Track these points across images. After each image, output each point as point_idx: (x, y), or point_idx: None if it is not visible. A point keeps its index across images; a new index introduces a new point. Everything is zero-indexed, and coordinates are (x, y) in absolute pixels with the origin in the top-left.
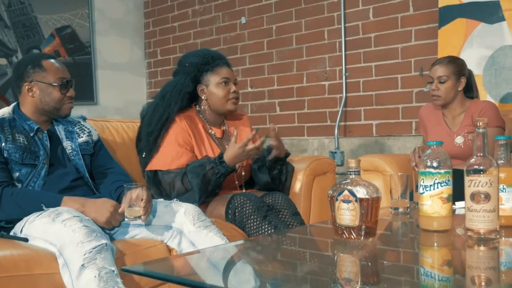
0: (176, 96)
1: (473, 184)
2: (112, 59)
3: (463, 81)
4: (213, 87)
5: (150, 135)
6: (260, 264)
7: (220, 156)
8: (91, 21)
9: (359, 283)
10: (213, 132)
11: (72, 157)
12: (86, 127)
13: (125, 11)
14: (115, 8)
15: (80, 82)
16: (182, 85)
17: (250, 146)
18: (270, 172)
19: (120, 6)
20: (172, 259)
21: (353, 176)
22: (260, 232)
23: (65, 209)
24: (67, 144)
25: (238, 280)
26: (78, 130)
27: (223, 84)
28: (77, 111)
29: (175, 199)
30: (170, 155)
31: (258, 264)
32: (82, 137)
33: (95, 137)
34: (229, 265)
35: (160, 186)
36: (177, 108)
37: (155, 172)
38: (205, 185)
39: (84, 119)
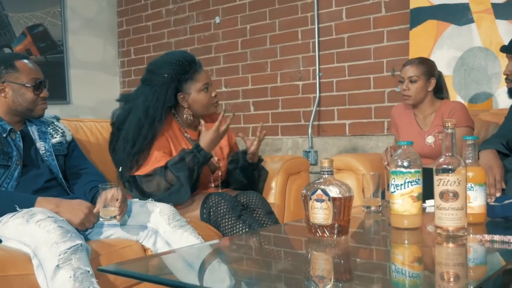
0: (160, 111)
1: (442, 183)
2: (85, 58)
3: (433, 81)
4: (195, 94)
5: (134, 155)
6: (235, 262)
7: (197, 145)
8: (64, 19)
9: (332, 280)
10: (188, 136)
11: (46, 158)
12: (59, 128)
13: (98, 9)
14: (87, 6)
15: (53, 81)
16: (164, 99)
17: (223, 126)
18: (244, 173)
19: (93, 5)
20: (147, 259)
21: (326, 175)
22: (234, 231)
23: (39, 209)
24: (40, 145)
25: (213, 278)
26: (51, 130)
27: (205, 90)
28: (49, 111)
29: (150, 199)
30: (149, 160)
31: (233, 262)
32: (55, 137)
33: (68, 138)
34: (204, 264)
35: (141, 190)
36: (161, 126)
37: (133, 177)
38: (191, 176)
39: (58, 119)
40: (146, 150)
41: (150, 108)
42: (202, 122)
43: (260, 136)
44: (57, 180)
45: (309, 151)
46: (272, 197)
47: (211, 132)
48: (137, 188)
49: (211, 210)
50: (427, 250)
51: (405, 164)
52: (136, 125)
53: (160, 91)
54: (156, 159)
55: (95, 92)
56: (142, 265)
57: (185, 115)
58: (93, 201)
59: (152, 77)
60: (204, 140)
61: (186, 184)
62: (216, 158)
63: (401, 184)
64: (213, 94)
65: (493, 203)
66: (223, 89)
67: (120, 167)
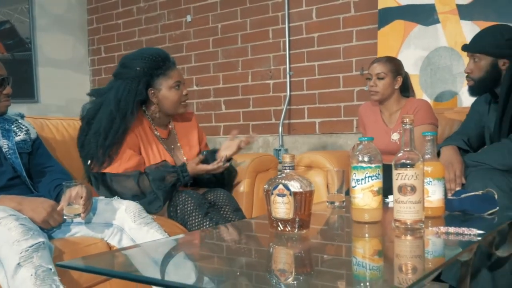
0: (131, 104)
1: (400, 177)
2: (53, 55)
3: (400, 80)
4: (165, 91)
5: (106, 148)
6: (199, 257)
7: (183, 168)
8: (31, 16)
9: (293, 274)
10: (158, 134)
11: (9, 156)
12: (23, 125)
13: (67, 7)
14: (56, 3)
15: (20, 79)
16: (136, 93)
17: (211, 167)
18: (213, 173)
19: (62, 2)
20: (111, 254)
21: (288, 170)
22: (201, 228)
23: (1, 207)
24: (3, 143)
25: (176, 273)
26: (15, 128)
27: (176, 87)
28: (17, 109)
29: (116, 196)
30: (118, 158)
31: (196, 257)
32: (19, 135)
33: (33, 135)
34: (168, 258)
35: (109, 188)
36: (133, 119)
37: (102, 174)
38: (170, 193)
39: (22, 116)
40: (118, 143)
41: (121, 101)
42: (234, 132)
43: (241, 145)
44: (21, 178)
45: (280, 149)
46: (240, 195)
47: (203, 168)
48: (105, 185)
49: (178, 207)
50: (386, 243)
51: (366, 159)
52: (107, 118)
53: (131, 84)
54: (127, 158)
55: (64, 91)
56: (104, 261)
57: (152, 109)
58: (57, 199)
59: (124, 70)
60: (192, 168)
61: (162, 200)
62: (185, 158)
63: (362, 179)
64: (184, 93)
65: (451, 197)
66: (194, 87)
67: (89, 161)
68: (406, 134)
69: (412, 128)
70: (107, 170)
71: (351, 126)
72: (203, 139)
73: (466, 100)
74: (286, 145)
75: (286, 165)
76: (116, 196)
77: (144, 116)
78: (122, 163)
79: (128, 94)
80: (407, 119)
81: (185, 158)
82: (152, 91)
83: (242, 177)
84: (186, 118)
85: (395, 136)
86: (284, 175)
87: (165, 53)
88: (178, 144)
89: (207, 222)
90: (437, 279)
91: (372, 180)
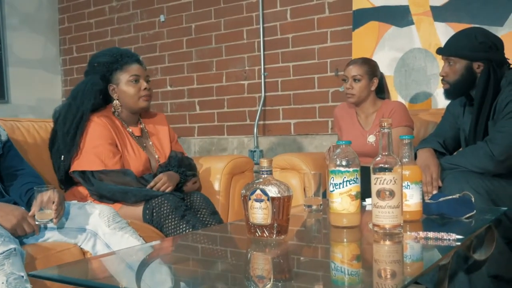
0: (89, 94)
1: (378, 181)
2: (24, 55)
3: (375, 81)
4: (123, 85)
5: (67, 134)
6: (176, 263)
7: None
8: (1, 15)
9: (271, 280)
10: (131, 131)
11: None
12: None
13: (37, 5)
14: (26, 2)
15: None
16: (92, 84)
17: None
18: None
19: (32, 1)
20: (86, 262)
21: (266, 175)
22: (178, 232)
23: None
24: None
25: (153, 280)
26: None
27: (134, 82)
28: None
29: (89, 201)
30: (102, 154)
31: (174, 263)
32: None
33: (3, 138)
34: (144, 266)
35: (92, 186)
36: (90, 105)
37: (83, 172)
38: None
39: None
40: (79, 130)
41: (78, 93)
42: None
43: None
44: None
45: (255, 151)
46: (216, 197)
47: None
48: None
49: (154, 211)
50: (365, 248)
51: (344, 163)
52: (66, 109)
53: (90, 78)
54: (111, 153)
55: (35, 91)
56: (78, 269)
57: (113, 107)
58: (29, 204)
59: (89, 68)
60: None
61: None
62: (156, 156)
63: (340, 183)
64: (142, 87)
65: (428, 201)
66: (168, 88)
67: (61, 156)
68: (384, 138)
69: (390, 132)
70: (94, 168)
71: (326, 127)
72: (174, 137)
73: (441, 101)
74: (261, 146)
75: (263, 169)
76: (89, 201)
77: (114, 115)
78: (108, 158)
79: (85, 86)
80: (385, 123)
81: (157, 156)
82: (112, 87)
83: (218, 179)
84: (156, 118)
85: (371, 138)
86: (261, 180)
87: (128, 51)
88: (150, 143)
89: (184, 225)
90: (415, 281)
91: (350, 184)
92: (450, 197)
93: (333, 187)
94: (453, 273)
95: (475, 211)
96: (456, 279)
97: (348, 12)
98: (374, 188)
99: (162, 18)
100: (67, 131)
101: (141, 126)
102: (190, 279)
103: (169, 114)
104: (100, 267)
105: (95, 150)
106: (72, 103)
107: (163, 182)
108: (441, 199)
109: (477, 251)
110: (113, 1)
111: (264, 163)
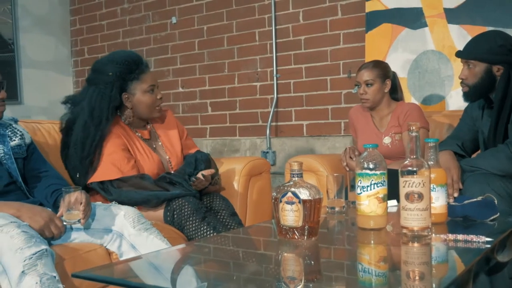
0: (106, 111)
1: (407, 184)
2: (36, 57)
3: (388, 83)
4: (140, 95)
5: (86, 158)
6: (206, 266)
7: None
8: (14, 17)
9: (302, 281)
10: (139, 135)
11: (5, 161)
12: (18, 130)
13: (50, 7)
14: (39, 4)
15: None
16: (110, 98)
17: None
18: None
19: (45, 3)
20: (115, 264)
21: (296, 178)
22: (199, 233)
23: (0, 214)
24: None
25: (185, 282)
26: (10, 133)
27: (150, 92)
28: None
29: (114, 202)
30: (117, 161)
31: (204, 266)
32: (14, 140)
33: (27, 140)
34: (178, 269)
35: (111, 195)
36: (109, 125)
37: (102, 182)
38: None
39: (16, 121)
40: (98, 151)
41: (95, 109)
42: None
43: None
44: (17, 184)
45: (267, 152)
46: (234, 199)
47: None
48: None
49: (175, 212)
50: (393, 250)
51: (371, 166)
52: (83, 128)
53: (105, 90)
54: (125, 159)
55: (48, 92)
56: (112, 271)
57: (126, 114)
58: (55, 205)
59: (97, 76)
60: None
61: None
62: (167, 157)
63: (368, 186)
64: (158, 97)
65: (453, 203)
66: (180, 89)
67: (77, 173)
68: (412, 141)
69: (418, 136)
70: (112, 177)
71: (339, 128)
72: (183, 133)
73: (454, 103)
74: (274, 147)
75: (294, 172)
76: (114, 202)
77: (121, 120)
78: (123, 165)
79: (101, 100)
80: (413, 127)
81: (167, 157)
82: (126, 96)
83: (236, 181)
84: (163, 116)
85: (386, 140)
86: (292, 182)
87: (137, 56)
88: (160, 143)
89: (205, 227)
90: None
91: (377, 187)
92: (474, 199)
93: (360, 190)
94: (474, 274)
95: (498, 213)
96: (478, 280)
97: (361, 14)
98: (403, 191)
99: (173, 20)
100: (86, 155)
101: (149, 128)
102: (221, 282)
103: (181, 115)
104: (130, 269)
105: (110, 158)
106: (88, 122)
107: (203, 184)
108: (466, 201)
109: (499, 253)
110: (125, 3)
111: (295, 166)
